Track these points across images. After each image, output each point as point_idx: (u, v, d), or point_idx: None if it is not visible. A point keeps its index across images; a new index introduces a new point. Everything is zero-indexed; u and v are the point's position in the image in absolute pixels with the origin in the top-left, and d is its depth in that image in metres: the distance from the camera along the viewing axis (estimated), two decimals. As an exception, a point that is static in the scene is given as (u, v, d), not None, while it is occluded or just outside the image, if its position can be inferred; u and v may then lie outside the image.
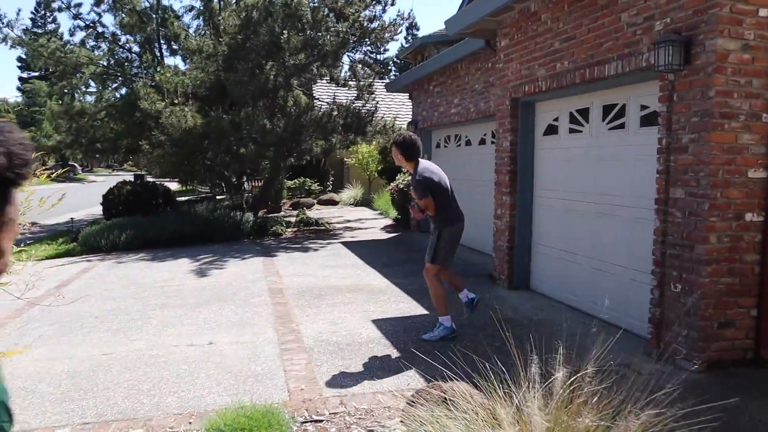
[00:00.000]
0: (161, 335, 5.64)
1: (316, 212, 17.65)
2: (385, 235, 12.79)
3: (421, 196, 5.18)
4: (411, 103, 13.67)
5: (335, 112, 13.67)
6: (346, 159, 23.07)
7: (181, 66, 15.42)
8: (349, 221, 15.59)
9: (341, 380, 4.43)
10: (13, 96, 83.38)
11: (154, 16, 16.93)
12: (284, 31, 12.82)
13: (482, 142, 10.40)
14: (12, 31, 15.51)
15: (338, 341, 5.35)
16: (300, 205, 19.14)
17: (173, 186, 21.21)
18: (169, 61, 16.62)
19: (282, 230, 13.10)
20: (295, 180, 21.86)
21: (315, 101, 16.39)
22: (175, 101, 12.57)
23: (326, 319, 6.04)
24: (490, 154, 9.75)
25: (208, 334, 5.64)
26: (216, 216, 12.74)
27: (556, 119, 6.96)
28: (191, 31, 16.94)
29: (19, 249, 4.87)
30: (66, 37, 17.09)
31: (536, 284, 7.36)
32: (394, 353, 5.01)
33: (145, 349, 5.24)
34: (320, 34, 13.12)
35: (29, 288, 4.29)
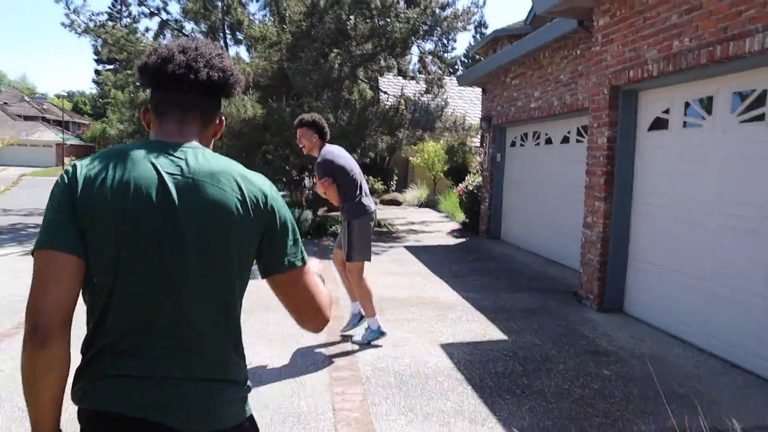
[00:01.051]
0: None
1: (378, 213, 16.81)
2: (452, 241, 11.81)
3: (321, 177, 4.83)
4: (482, 99, 12.65)
5: (402, 106, 12.78)
6: (411, 158, 22.18)
7: (245, 57, 14.84)
8: (413, 223, 14.68)
9: (404, 428, 3.52)
10: (89, 88, 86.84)
11: (219, 3, 16.47)
12: (351, 18, 12.02)
13: (565, 140, 9.28)
14: (78, 17, 15.31)
15: (401, 371, 4.43)
16: (362, 204, 18.34)
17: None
18: (233, 50, 16.10)
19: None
20: (358, 178, 21.10)
21: (380, 94, 15.57)
22: (235, 90, 11.97)
23: (387, 339, 5.14)
24: (574, 154, 8.65)
25: (247, 349, 4.83)
26: (273, 213, 12.04)
27: (666, 111, 5.83)
28: (256, 19, 16.39)
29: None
30: (132, 24, 16.62)
31: (632, 308, 6.23)
32: (470, 392, 4.05)
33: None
34: (389, 20, 12.25)
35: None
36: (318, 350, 4.88)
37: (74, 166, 1.37)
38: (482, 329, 5.53)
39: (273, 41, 13.73)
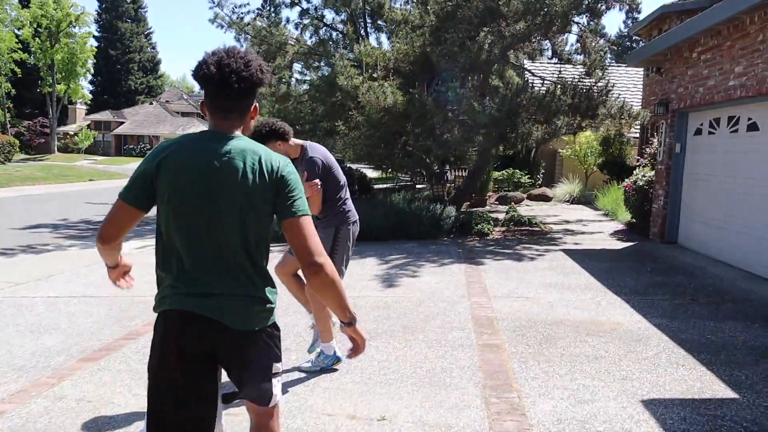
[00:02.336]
0: (314, 389, 3.89)
1: (526, 209, 15.29)
2: (618, 244, 10.12)
3: (310, 178, 4.01)
4: (645, 84, 10.77)
5: (559, 91, 11.21)
6: (560, 150, 20.31)
7: (386, 44, 13.89)
8: (567, 222, 13.04)
9: None
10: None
11: (360, -10, 15.76)
12: (503, -7, 10.66)
13: (779, 125, 7.35)
14: (222, 10, 15.21)
15: (594, 445, 3.15)
16: (507, 200, 16.91)
17: (372, 173, 20.16)
18: (372, 38, 15.29)
19: (488, 229, 11.01)
20: (503, 171, 19.61)
21: (532, 79, 14.02)
22: (375, 75, 11.06)
23: (565, 389, 3.86)
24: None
25: (382, 395, 3.77)
26: (413, 208, 11.04)
27: None
28: (397, 4, 15.45)
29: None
30: (272, 14, 16.32)
31: None
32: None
33: (283, 412, 3.50)
34: (547, -8, 10.74)
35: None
36: (474, 404, 3.71)
37: (156, 147, 2.06)
38: (696, 379, 4.06)
39: (415, 24, 12.71)
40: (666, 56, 10.14)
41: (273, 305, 2.08)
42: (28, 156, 47.16)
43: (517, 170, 19.45)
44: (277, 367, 2.11)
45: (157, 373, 2.04)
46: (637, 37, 34.01)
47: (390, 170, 11.46)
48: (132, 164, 45.69)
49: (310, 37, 17.40)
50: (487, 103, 11.39)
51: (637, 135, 18.97)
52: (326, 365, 4.21)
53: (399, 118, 11.10)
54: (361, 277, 7.39)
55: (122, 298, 6.49)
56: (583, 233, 11.37)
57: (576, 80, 11.84)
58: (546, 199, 17.81)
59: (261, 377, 2.07)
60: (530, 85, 11.39)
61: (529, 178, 19.68)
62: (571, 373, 4.12)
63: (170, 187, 1.96)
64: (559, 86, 11.43)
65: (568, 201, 17.67)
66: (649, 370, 4.21)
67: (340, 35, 17.36)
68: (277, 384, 2.12)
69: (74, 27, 47.77)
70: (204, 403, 2.01)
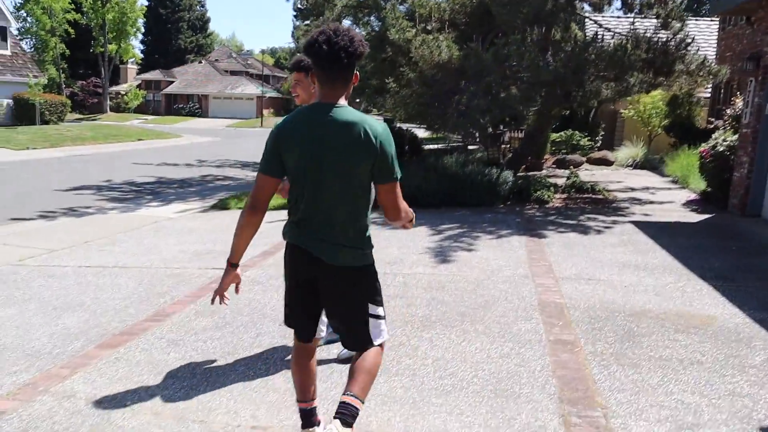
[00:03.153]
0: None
1: (586, 173, 14.31)
2: (694, 216, 9.18)
3: None
4: (719, 37, 9.61)
5: (631, 45, 10.14)
6: (621, 111, 19.01)
7: None
8: (632, 189, 12.05)
9: None
10: (287, 42, 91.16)
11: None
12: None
13: None
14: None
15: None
16: (566, 163, 15.90)
17: (421, 133, 19.32)
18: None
19: (548, 196, 10.18)
20: (561, 132, 18.50)
21: (601, 31, 12.89)
22: (429, 28, 10.22)
23: (661, 406, 3.16)
24: None
25: (438, 408, 3.15)
26: (467, 172, 10.29)
27: None
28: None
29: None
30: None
31: None
32: None
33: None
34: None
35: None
36: (551, 424, 3.06)
37: (278, 124, 2.46)
38: (823, 396, 3.30)
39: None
40: (760, 3, 8.96)
41: (367, 252, 2.49)
42: (81, 116, 47.88)
43: (576, 131, 18.30)
44: (374, 308, 2.49)
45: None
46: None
47: (442, 131, 10.67)
48: (181, 123, 45.90)
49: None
50: (549, 58, 10.43)
51: (708, 95, 17.56)
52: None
53: (454, 74, 10.25)
54: (411, 250, 6.76)
55: (154, 270, 6.05)
56: (651, 203, 10.42)
57: (650, 33, 10.72)
58: (607, 163, 16.71)
59: (355, 317, 2.52)
60: (600, 38, 10.32)
61: (589, 140, 18.52)
62: (665, 383, 3.42)
63: (293, 157, 2.38)
64: (631, 39, 10.35)
65: (630, 166, 16.53)
66: (761, 383, 3.47)
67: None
68: (374, 328, 2.51)
69: (124, -15, 47.64)
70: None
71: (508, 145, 14.98)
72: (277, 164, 2.41)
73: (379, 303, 2.50)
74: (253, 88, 54.96)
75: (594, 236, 7.58)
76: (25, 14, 47.04)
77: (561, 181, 11.81)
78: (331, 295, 2.48)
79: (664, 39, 10.49)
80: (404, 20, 10.55)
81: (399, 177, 2.40)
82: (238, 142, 30.63)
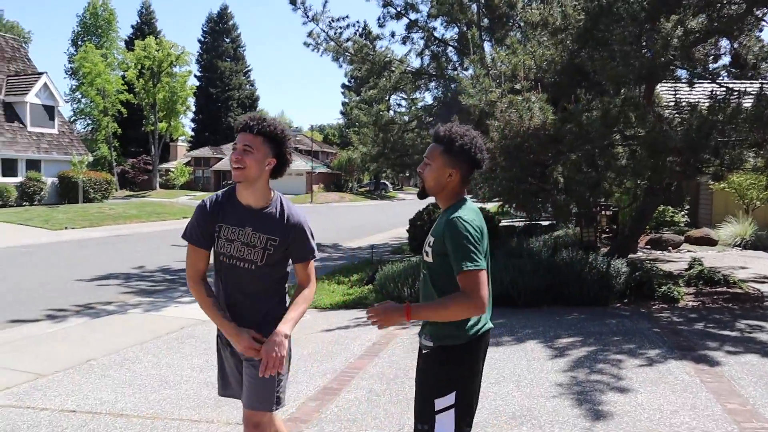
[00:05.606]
0: None
1: (689, 256, 11.97)
2: None
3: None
4: None
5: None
6: (711, 183, 16.73)
7: (502, 56, 11.10)
8: (767, 279, 9.71)
9: None
10: (336, 119, 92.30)
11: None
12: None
13: None
14: (317, 25, 13.13)
15: None
16: (662, 244, 13.62)
17: (488, 206, 17.30)
18: (487, 48, 12.74)
19: (678, 292, 7.94)
20: (650, 208, 16.25)
21: (700, 93, 10.91)
22: (517, 87, 8.42)
23: None
24: None
25: None
26: (567, 261, 8.21)
27: None
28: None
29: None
30: (375, 29, 14.06)
31: None
32: None
33: None
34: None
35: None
36: None
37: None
38: None
39: (557, 26, 10.01)
40: None
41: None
42: (131, 193, 47.88)
43: (669, 206, 16.05)
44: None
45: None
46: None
47: (538, 212, 8.72)
48: (228, 200, 45.17)
49: (417, 56, 15.07)
50: (652, 118, 8.48)
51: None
52: None
53: (547, 142, 8.35)
54: (536, 387, 4.64)
55: (161, 424, 4.09)
56: (811, 298, 8.08)
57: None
58: (710, 243, 14.32)
59: None
60: (734, 95, 8.33)
61: (683, 216, 16.24)
62: None
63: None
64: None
65: (739, 245, 14.13)
66: None
67: (454, 50, 14.88)
68: None
69: (175, 66, 48.42)
70: None
71: (597, 225, 12.83)
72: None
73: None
74: (302, 164, 54.47)
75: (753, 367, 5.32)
76: (80, 96, 48.14)
77: (667, 267, 9.60)
78: None
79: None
80: (486, 79, 8.77)
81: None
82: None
